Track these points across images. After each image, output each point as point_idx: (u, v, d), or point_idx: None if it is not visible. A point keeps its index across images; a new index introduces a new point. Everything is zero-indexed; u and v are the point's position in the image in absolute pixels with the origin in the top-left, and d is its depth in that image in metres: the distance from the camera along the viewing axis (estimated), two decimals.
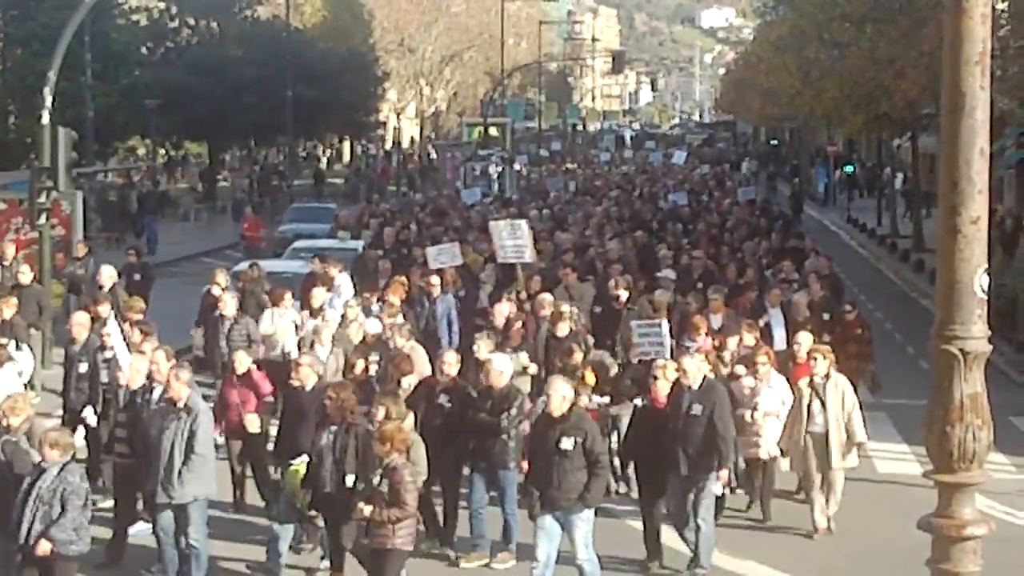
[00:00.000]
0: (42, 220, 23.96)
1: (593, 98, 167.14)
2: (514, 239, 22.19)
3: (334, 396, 12.67)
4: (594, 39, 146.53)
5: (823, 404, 14.92)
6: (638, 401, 14.71)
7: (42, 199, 23.66)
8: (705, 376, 13.87)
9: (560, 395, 12.44)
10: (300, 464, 12.94)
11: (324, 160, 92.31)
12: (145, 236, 43.24)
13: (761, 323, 19.63)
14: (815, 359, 15.19)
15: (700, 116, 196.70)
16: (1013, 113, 32.54)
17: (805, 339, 16.98)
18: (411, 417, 12.99)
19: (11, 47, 51.07)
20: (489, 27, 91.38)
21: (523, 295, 21.15)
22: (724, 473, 13.83)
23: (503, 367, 14.12)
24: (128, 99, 52.39)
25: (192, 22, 62.42)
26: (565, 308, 19.13)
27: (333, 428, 12.51)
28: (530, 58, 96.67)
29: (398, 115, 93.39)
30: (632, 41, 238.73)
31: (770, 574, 14.10)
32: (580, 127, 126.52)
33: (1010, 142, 39.06)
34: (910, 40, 33.56)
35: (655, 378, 14.18)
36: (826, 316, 20.66)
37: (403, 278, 22.09)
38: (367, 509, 11.41)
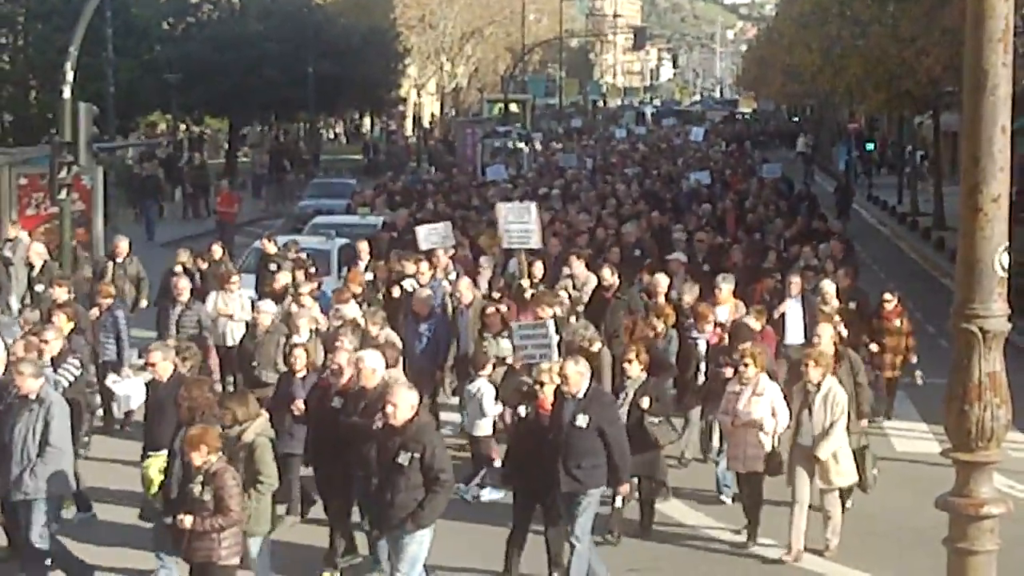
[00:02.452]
0: (63, 195, 24.01)
1: (614, 74, 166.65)
2: (521, 222, 20.83)
3: (185, 395, 11.82)
4: (615, 15, 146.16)
5: (811, 415, 13.60)
6: (521, 410, 13.48)
7: (63, 174, 23.71)
8: (591, 384, 12.62)
9: (405, 403, 11.10)
10: (154, 459, 12.16)
11: (341, 135, 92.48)
12: (143, 220, 41.60)
13: (776, 315, 18.80)
14: (806, 366, 13.74)
15: (721, 93, 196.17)
16: None
17: (826, 332, 15.50)
18: (264, 418, 12.02)
19: (32, 22, 51.13)
20: (510, 3, 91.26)
21: (524, 282, 20.22)
22: (624, 488, 12.82)
23: (375, 364, 12.75)
24: (149, 74, 52.42)
25: None
26: (563, 295, 18.74)
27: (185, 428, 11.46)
28: (551, 34, 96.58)
29: (419, 91, 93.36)
30: (653, 17, 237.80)
31: (782, 551, 14.07)
32: (601, 103, 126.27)
33: None
34: (932, 17, 33.40)
35: (541, 383, 13.06)
36: (852, 305, 19.66)
37: (382, 263, 21.51)
38: (187, 520, 10.58)
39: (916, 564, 13.08)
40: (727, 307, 18.21)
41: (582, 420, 12.20)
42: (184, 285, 19.12)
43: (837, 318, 18.48)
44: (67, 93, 23.92)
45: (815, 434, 13.46)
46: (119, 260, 22.28)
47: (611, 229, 26.51)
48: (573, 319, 18.17)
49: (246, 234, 37.47)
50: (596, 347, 15.97)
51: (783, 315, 18.93)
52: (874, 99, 43.92)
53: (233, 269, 21.84)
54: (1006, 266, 7.22)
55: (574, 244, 24.33)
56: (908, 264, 37.20)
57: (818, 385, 13.59)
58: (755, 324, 16.68)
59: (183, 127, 66.12)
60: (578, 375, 12.34)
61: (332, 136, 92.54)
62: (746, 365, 14.12)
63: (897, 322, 19.43)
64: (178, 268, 21.11)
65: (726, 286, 18.68)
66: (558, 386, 12.65)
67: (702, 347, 17.00)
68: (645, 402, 13.81)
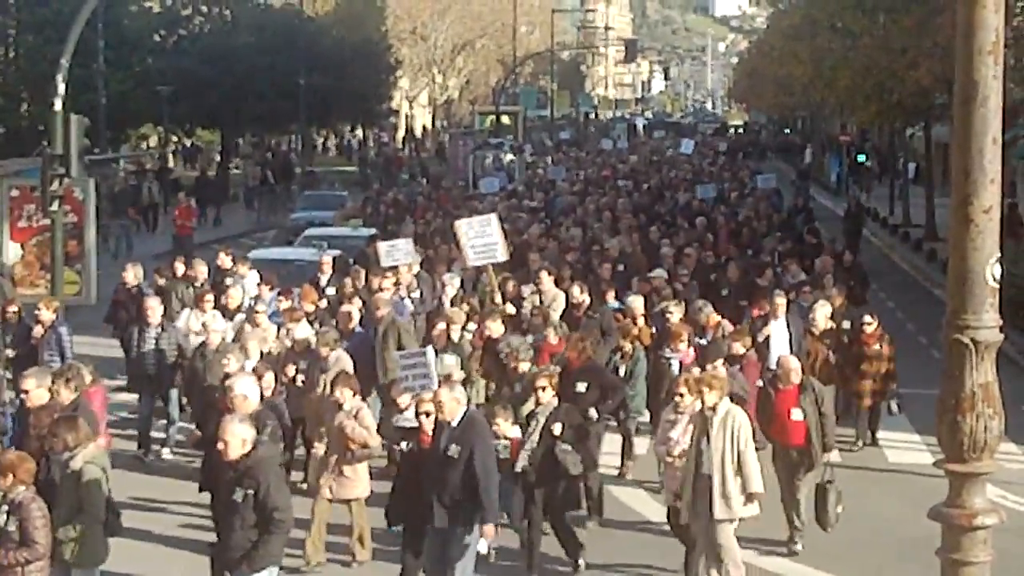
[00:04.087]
0: (54, 207, 23.99)
1: (605, 87, 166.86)
2: (483, 237, 20.29)
3: (35, 423, 11.37)
4: (607, 27, 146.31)
5: (709, 441, 12.54)
6: (403, 445, 12.73)
7: (54, 186, 23.68)
8: (466, 411, 11.86)
9: (235, 437, 10.23)
10: None
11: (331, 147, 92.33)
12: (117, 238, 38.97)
13: (760, 337, 18.12)
14: (703, 390, 12.72)
15: (712, 105, 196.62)
16: None
17: (792, 362, 14.77)
18: (96, 445, 11.18)
19: (24, 34, 51.19)
20: (501, 15, 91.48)
21: (496, 297, 19.76)
22: (489, 528, 11.76)
23: (246, 390, 12.04)
24: (141, 86, 52.45)
25: (205, 9, 62.43)
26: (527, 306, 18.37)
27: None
28: (542, 46, 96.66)
29: (410, 103, 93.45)
30: (645, 29, 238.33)
31: (776, 562, 14.06)
32: (592, 115, 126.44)
33: (1023, 132, 38.95)
34: (923, 29, 33.49)
35: (426, 414, 12.31)
36: (847, 325, 19.02)
37: (348, 280, 20.91)
38: None
39: (909, 575, 13.07)
40: (708, 331, 17.69)
41: (454, 450, 11.54)
42: (155, 306, 18.32)
43: (827, 341, 18.19)
44: (58, 105, 23.87)
45: (714, 461, 12.44)
46: (197, 284, 21.65)
47: (600, 244, 26.00)
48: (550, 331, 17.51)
49: (240, 246, 37.43)
50: (524, 366, 15.40)
51: (768, 337, 18.26)
52: (865, 111, 44.01)
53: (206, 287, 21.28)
54: (998, 277, 7.22)
55: (563, 260, 23.82)
56: (900, 275, 37.24)
57: (714, 408, 12.60)
58: (739, 348, 16.23)
59: (174, 139, 66.10)
60: (453, 402, 11.70)
61: (336, 148, 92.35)
62: (681, 395, 13.27)
63: (877, 346, 18.54)
64: (146, 287, 20.72)
65: (708, 311, 18.17)
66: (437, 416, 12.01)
67: (675, 368, 16.31)
68: (557, 428, 13.21)
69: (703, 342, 17.17)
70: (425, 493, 11.67)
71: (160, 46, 58.52)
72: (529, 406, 14.06)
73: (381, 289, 19.76)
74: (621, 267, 23.54)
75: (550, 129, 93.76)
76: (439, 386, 12.14)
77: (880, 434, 19.10)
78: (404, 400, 14.56)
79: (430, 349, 15.42)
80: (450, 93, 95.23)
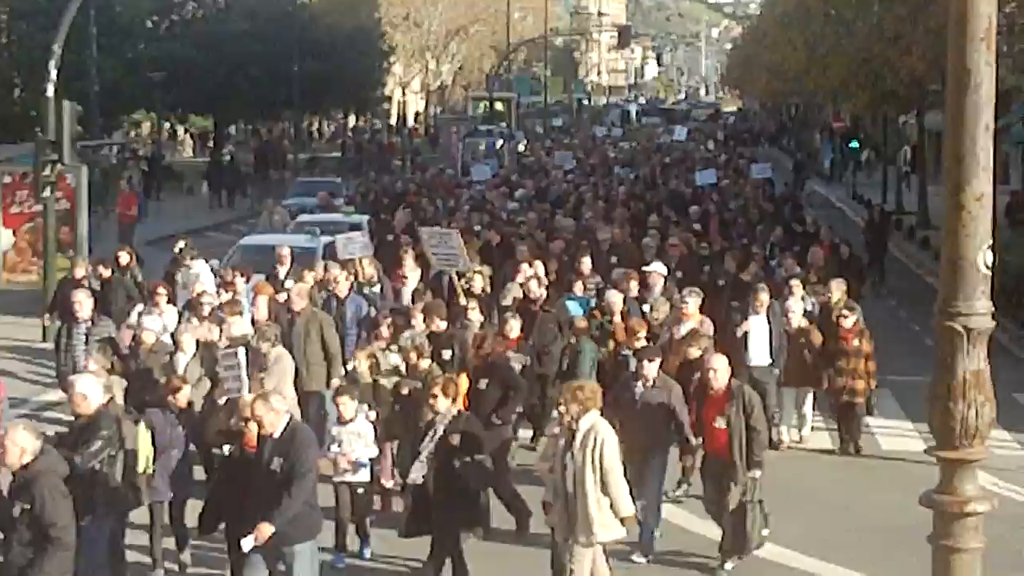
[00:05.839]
0: (47, 193, 23.98)
1: (599, 73, 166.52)
2: (445, 248, 19.85)
3: None
4: (600, 13, 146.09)
5: (573, 458, 11.34)
6: (226, 449, 12.00)
7: (47, 172, 23.68)
8: (289, 421, 10.99)
9: (15, 445, 9.53)
10: None
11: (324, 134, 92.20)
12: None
13: (739, 333, 17.25)
14: (562, 401, 11.48)
15: (706, 91, 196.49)
16: (1019, 89, 32.48)
17: (720, 363, 13.41)
18: None
19: (16, 20, 51.01)
20: (495, 1, 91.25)
21: (461, 299, 18.95)
22: (262, 531, 10.66)
23: (87, 390, 11.14)
24: (133, 72, 52.31)
25: None
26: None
27: None
28: (536, 32, 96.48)
29: (403, 89, 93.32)
30: (638, 15, 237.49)
31: (767, 549, 14.05)
32: (586, 102, 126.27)
33: (1016, 118, 38.98)
34: (916, 16, 33.52)
35: (245, 420, 11.47)
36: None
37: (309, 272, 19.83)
38: None
39: (901, 561, 13.08)
40: (690, 323, 16.51)
41: (278, 463, 10.70)
42: (84, 301, 17.49)
43: (801, 340, 17.49)
44: (51, 91, 23.87)
45: (576, 481, 11.25)
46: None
47: (592, 235, 25.10)
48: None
49: (234, 232, 37.44)
50: (424, 363, 14.66)
51: (746, 334, 17.29)
52: (858, 98, 44.01)
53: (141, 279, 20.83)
54: (989, 264, 7.23)
55: (547, 251, 22.98)
56: (893, 262, 37.23)
57: (577, 423, 11.36)
58: (694, 352, 15.00)
59: (183, 125, 65.93)
60: (271, 413, 10.80)
61: (317, 134, 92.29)
62: (561, 406, 11.69)
63: (856, 342, 17.47)
64: (81, 280, 19.91)
65: (692, 300, 16.96)
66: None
67: (633, 365, 14.81)
68: (455, 439, 12.17)
69: (682, 332, 16.32)
70: (251, 511, 10.78)
71: (153, 32, 58.40)
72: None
73: (337, 285, 18.70)
74: (615, 259, 22.66)
75: (543, 116, 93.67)
76: (257, 400, 11.15)
77: (872, 421, 19.09)
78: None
79: (241, 350, 14.23)
80: (443, 79, 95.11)
